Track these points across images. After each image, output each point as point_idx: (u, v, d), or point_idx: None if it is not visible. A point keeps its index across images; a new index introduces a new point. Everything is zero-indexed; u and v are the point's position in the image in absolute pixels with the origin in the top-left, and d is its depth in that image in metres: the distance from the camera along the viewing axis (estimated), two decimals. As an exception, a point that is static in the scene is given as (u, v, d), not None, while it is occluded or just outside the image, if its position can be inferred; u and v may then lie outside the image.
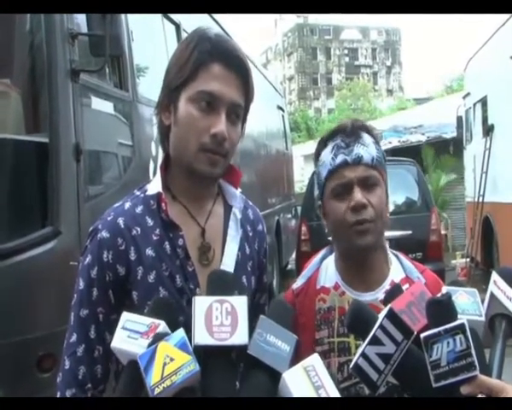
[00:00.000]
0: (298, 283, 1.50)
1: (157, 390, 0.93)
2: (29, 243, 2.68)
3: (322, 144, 1.42)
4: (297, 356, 1.35)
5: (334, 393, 0.95)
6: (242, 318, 1.01)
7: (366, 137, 1.38)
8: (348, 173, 1.34)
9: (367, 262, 1.40)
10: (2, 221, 2.78)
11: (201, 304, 1.02)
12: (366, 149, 1.36)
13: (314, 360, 0.99)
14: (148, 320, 1.02)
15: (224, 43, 1.27)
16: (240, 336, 1.00)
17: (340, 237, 1.39)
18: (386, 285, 1.39)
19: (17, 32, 2.92)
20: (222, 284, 1.07)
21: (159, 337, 0.98)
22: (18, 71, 2.97)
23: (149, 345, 0.98)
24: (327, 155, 1.38)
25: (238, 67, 1.26)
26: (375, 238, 1.36)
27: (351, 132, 1.37)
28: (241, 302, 1.03)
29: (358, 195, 1.32)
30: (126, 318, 1.04)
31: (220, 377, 1.00)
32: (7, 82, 2.88)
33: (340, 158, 1.35)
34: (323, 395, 0.94)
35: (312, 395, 0.94)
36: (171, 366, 0.95)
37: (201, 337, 0.99)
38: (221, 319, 1.00)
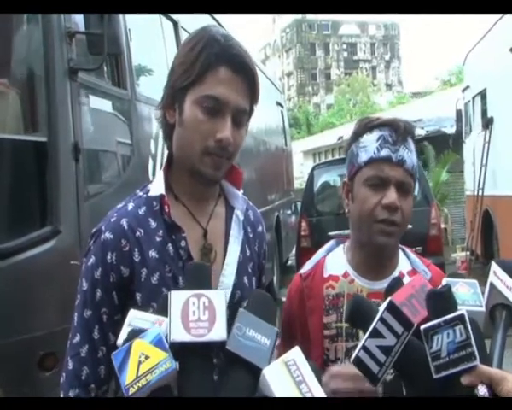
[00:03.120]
0: (305, 268, 1.52)
1: (131, 390, 0.91)
2: (28, 242, 2.68)
3: (366, 128, 1.41)
4: (305, 338, 1.35)
5: (315, 387, 0.92)
6: (220, 312, 0.98)
7: (411, 144, 1.40)
8: (388, 170, 1.35)
9: (380, 256, 1.43)
10: (2, 221, 2.77)
11: (177, 299, 0.98)
12: (410, 155, 1.37)
13: (295, 354, 0.96)
14: (153, 317, 1.01)
15: (232, 47, 1.25)
16: (218, 332, 0.97)
17: (363, 226, 1.40)
18: (394, 276, 1.41)
19: (15, 31, 2.92)
20: (199, 277, 1.04)
21: (134, 334, 0.96)
22: (16, 70, 2.96)
23: (124, 342, 0.95)
24: (371, 141, 1.38)
25: (245, 71, 1.26)
26: (395, 241, 1.41)
27: (401, 132, 1.37)
28: (218, 296, 1.00)
29: (394, 195, 1.34)
30: (133, 315, 1.02)
31: (197, 375, 0.97)
32: (5, 82, 2.88)
33: (385, 151, 1.35)
34: (305, 390, 0.91)
35: (293, 390, 0.91)
36: (146, 364, 0.92)
37: (178, 334, 0.96)
38: (198, 315, 0.97)
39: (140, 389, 0.91)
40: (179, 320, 0.96)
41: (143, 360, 0.92)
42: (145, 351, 0.93)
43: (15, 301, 2.61)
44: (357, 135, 1.43)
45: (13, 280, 2.61)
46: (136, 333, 0.96)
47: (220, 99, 1.23)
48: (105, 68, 3.42)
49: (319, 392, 0.92)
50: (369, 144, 1.38)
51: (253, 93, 1.29)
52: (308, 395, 0.91)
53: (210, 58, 1.22)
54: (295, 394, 0.91)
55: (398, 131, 1.37)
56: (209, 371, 1.02)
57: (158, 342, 0.94)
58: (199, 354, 0.98)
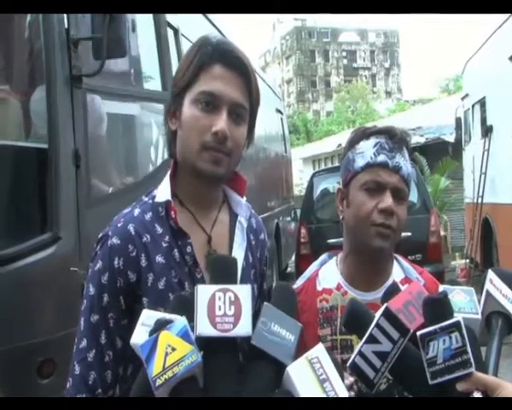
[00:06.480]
0: (297, 283, 1.53)
1: (158, 382, 0.92)
2: (29, 248, 2.67)
3: (363, 135, 1.43)
4: (301, 352, 1.36)
5: (339, 386, 0.94)
6: (246, 308, 0.99)
7: (406, 154, 1.42)
8: (385, 176, 1.37)
9: (375, 262, 1.44)
10: (2, 227, 2.78)
11: (204, 293, 1.00)
12: (405, 163, 1.40)
13: (319, 352, 0.97)
14: (166, 316, 1.01)
15: (224, 45, 1.29)
16: (243, 327, 0.98)
17: (359, 231, 1.40)
18: (388, 285, 1.40)
19: (16, 38, 2.93)
20: (224, 270, 1.05)
21: (160, 325, 0.97)
22: (17, 77, 2.98)
23: (151, 333, 0.96)
24: (368, 147, 1.40)
25: (239, 67, 1.28)
26: (391, 246, 1.41)
27: (398, 140, 1.40)
28: (244, 292, 1.01)
29: (390, 200, 1.36)
30: (146, 315, 1.03)
31: (222, 368, 0.99)
32: (6, 88, 2.89)
33: (382, 157, 1.38)
34: (328, 388, 0.93)
35: (317, 388, 0.93)
36: (172, 356, 0.93)
37: (204, 328, 0.97)
38: (224, 310, 0.98)
39: (167, 381, 0.92)
40: (205, 315, 0.98)
41: (170, 352, 0.94)
42: (172, 343, 0.94)
43: (15, 308, 2.60)
44: (353, 142, 1.45)
45: (13, 286, 2.61)
46: (162, 324, 0.97)
47: (215, 93, 1.25)
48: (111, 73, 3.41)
49: (342, 390, 0.94)
50: (366, 150, 1.40)
51: (249, 89, 1.30)
52: (331, 394, 0.93)
53: (203, 58, 1.26)
54: (319, 392, 0.93)
55: (395, 138, 1.40)
56: (234, 366, 1.02)
57: (184, 335, 0.95)
58: (224, 349, 0.99)
